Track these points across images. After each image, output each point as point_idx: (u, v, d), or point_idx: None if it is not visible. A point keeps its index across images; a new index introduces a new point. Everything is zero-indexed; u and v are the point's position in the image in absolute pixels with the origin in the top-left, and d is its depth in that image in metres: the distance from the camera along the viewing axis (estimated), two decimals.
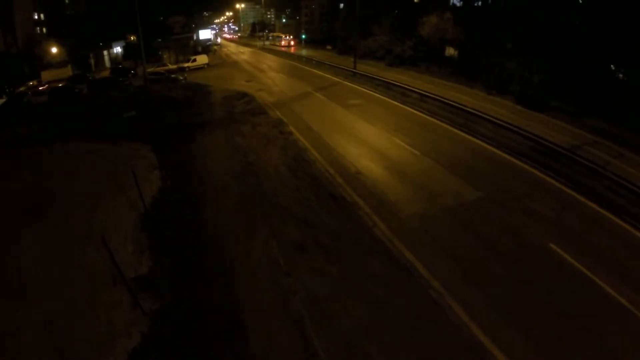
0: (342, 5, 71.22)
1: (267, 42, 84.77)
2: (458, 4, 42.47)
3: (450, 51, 40.98)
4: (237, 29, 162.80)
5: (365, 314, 8.16)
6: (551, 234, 10.80)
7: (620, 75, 27.03)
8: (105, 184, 13.36)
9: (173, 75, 38.71)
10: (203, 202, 12.35)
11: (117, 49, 59.92)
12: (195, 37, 68.74)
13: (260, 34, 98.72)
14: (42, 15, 61.05)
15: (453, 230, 11.02)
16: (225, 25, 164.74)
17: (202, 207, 12.00)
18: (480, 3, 39.92)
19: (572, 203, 12.58)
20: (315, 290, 8.82)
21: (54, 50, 54.82)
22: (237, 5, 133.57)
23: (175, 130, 20.28)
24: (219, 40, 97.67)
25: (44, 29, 61.02)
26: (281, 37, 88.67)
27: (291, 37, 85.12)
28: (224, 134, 19.03)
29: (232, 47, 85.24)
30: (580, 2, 31.22)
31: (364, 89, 29.41)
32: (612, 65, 27.05)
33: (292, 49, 73.96)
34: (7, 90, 43.57)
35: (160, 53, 56.42)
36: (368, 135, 18.50)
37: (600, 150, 18.16)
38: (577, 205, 12.44)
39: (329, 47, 67.24)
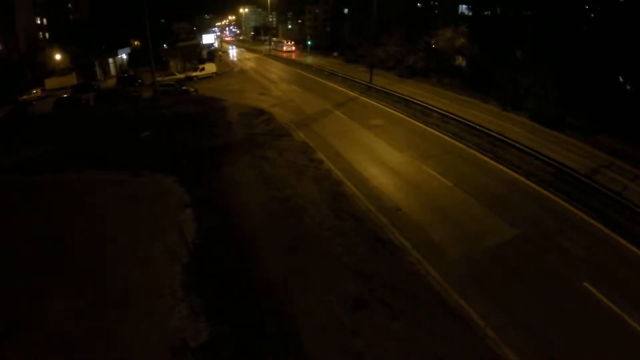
0: (346, 10, 70.86)
1: (270, 47, 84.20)
2: (467, 13, 42.41)
3: (458, 60, 41.00)
4: (238, 32, 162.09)
5: None
6: (585, 274, 11.18)
7: (628, 87, 27.10)
8: (135, 228, 12.73)
9: (184, 87, 37.96)
10: (247, 249, 11.95)
11: (123, 56, 59.06)
12: (199, 43, 68.03)
13: (264, 38, 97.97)
14: (44, 20, 60.04)
15: (497, 274, 11.29)
16: (227, 29, 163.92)
17: (247, 256, 11.59)
18: (489, 12, 39.83)
19: (601, 239, 12.91)
20: (385, 351, 8.69)
21: (58, 56, 53.81)
22: (241, 10, 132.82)
23: (197, 155, 19.69)
24: (232, 50, 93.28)
25: (47, 34, 59.96)
26: (283, 42, 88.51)
27: (292, 42, 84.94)
28: (250, 161, 18.59)
29: (237, 53, 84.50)
30: (592, 15, 31.28)
31: (383, 107, 29.14)
32: (620, 77, 27.10)
33: (293, 55, 73.36)
34: (7, 97, 42.15)
35: (165, 60, 55.64)
36: (399, 164, 18.30)
37: (617, 173, 18.70)
38: (606, 241, 12.85)
39: (335, 54, 66.60)
